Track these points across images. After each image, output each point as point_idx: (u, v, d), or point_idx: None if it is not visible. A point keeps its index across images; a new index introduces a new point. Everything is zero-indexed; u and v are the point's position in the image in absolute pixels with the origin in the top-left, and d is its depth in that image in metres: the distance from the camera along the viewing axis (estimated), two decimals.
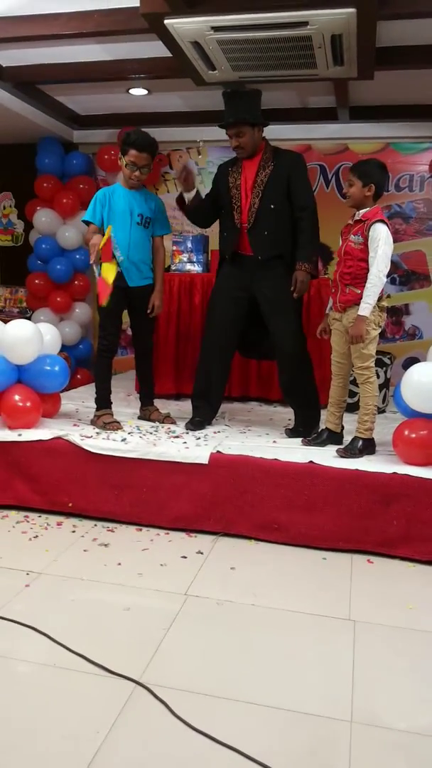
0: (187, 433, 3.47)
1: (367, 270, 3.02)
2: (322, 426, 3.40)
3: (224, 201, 3.48)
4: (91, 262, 3.28)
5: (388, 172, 3.14)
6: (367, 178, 3.04)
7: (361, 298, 3.03)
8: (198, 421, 3.58)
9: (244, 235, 3.42)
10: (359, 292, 3.04)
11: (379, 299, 3.06)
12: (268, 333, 3.55)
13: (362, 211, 3.09)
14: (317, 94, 4.61)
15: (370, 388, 3.12)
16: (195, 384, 3.71)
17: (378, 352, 4.01)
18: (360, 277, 3.05)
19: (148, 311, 3.60)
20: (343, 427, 3.34)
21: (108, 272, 3.23)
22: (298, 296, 3.35)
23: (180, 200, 3.52)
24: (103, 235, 3.33)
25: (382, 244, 2.98)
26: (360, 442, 3.12)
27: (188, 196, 3.48)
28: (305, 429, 3.48)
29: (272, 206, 3.35)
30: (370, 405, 3.13)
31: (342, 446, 3.16)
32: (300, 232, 3.37)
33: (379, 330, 3.12)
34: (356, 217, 3.10)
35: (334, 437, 3.29)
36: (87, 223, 3.50)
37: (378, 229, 2.99)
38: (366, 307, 3.00)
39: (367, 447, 3.13)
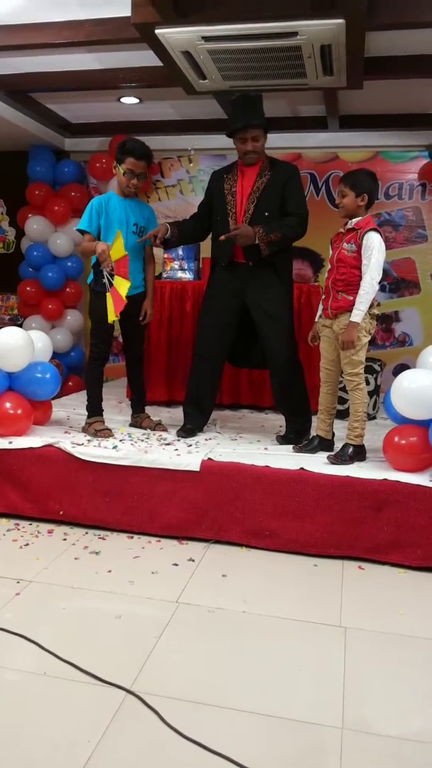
0: (179, 440, 3.47)
1: (360, 277, 3.05)
2: (313, 433, 3.41)
3: (218, 208, 3.50)
4: (107, 270, 3.25)
5: (378, 181, 3.17)
6: (360, 188, 3.08)
7: (353, 305, 3.06)
8: (189, 429, 3.59)
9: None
10: (351, 298, 3.07)
11: (370, 306, 3.09)
12: (256, 342, 3.57)
13: (355, 220, 3.12)
14: (307, 103, 4.65)
15: (359, 394, 3.14)
16: (187, 391, 3.71)
17: (368, 359, 4.06)
18: (353, 284, 3.08)
19: (141, 318, 3.61)
20: (333, 434, 3.36)
21: (122, 287, 3.23)
22: (224, 238, 3.32)
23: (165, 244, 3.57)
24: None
25: (375, 252, 3.02)
26: (350, 449, 3.14)
27: (170, 240, 3.51)
28: (296, 436, 3.49)
29: (266, 214, 3.36)
30: (360, 412, 3.15)
31: (332, 453, 3.18)
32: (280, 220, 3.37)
33: (369, 337, 3.15)
34: (348, 226, 3.14)
35: (324, 444, 3.31)
36: (82, 232, 3.47)
37: (372, 238, 3.03)
38: (358, 314, 3.03)
39: (358, 454, 3.15)
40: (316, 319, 3.32)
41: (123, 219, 3.45)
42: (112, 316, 3.27)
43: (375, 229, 3.07)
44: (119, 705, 1.86)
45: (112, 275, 3.25)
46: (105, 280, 3.28)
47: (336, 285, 3.13)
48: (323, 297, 3.26)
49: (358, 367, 3.13)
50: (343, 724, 1.81)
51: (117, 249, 3.25)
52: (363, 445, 3.18)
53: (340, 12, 2.98)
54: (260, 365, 3.71)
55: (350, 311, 3.07)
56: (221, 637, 2.27)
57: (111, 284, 3.25)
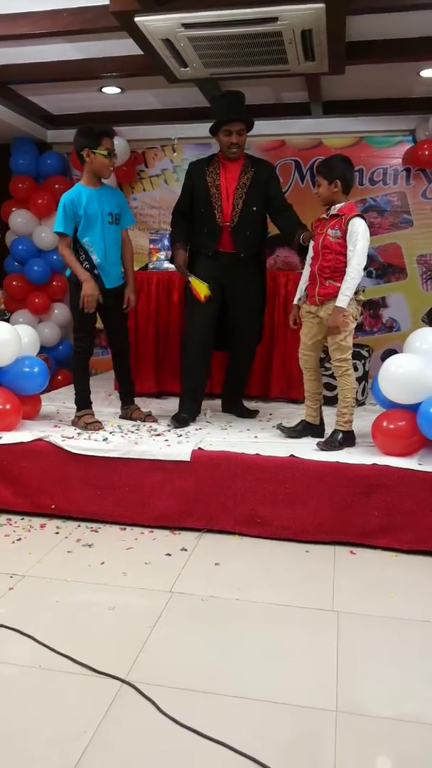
0: (169, 430, 3.47)
1: (346, 263, 3.07)
2: (299, 419, 3.45)
3: (201, 199, 3.56)
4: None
5: (353, 164, 3.20)
6: (332, 175, 3.11)
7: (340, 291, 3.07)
8: (184, 419, 3.59)
9: (225, 234, 3.53)
10: (339, 285, 3.09)
11: (356, 292, 3.12)
12: (222, 325, 3.72)
13: (337, 206, 3.14)
14: (290, 89, 4.62)
15: (348, 380, 3.16)
16: (184, 380, 3.73)
17: (356, 345, 4.08)
18: (339, 270, 3.10)
19: (124, 306, 3.59)
20: (322, 420, 3.39)
21: (200, 288, 3.48)
22: (308, 238, 3.38)
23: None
24: (81, 246, 3.42)
25: (360, 238, 3.05)
26: (340, 435, 3.16)
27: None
28: (247, 412, 3.91)
29: (254, 208, 3.53)
30: (349, 397, 3.17)
31: (322, 440, 3.19)
32: (289, 217, 3.57)
33: (356, 323, 3.18)
34: (332, 212, 3.15)
35: (312, 429, 3.35)
36: (60, 234, 3.41)
37: (357, 224, 3.06)
38: (344, 299, 3.05)
39: (347, 439, 3.17)
40: (295, 302, 3.36)
41: (98, 211, 3.42)
42: (206, 290, 3.49)
43: (360, 216, 3.09)
44: (115, 695, 1.87)
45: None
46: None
47: (323, 272, 3.14)
48: (303, 284, 3.28)
49: (347, 353, 3.15)
50: (337, 707, 1.83)
51: (200, 288, 3.48)
52: (352, 431, 3.20)
53: None
54: (224, 348, 3.88)
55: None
56: (215, 625, 2.28)
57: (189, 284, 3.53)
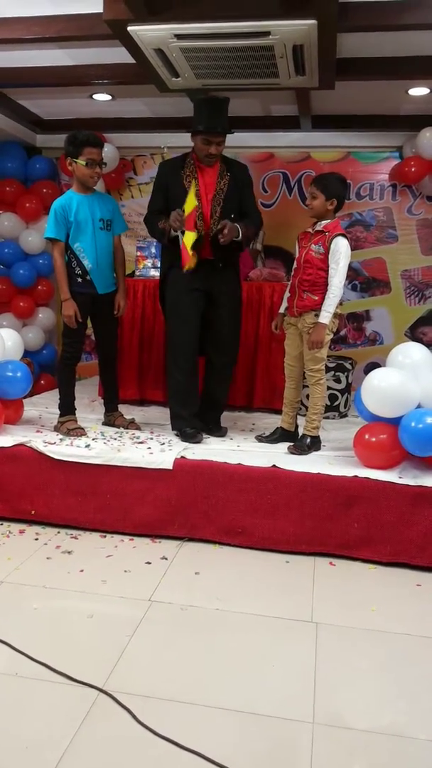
0: (152, 438, 3.47)
1: (325, 278, 3.16)
2: (275, 426, 3.55)
3: (178, 203, 3.37)
4: (176, 230, 3.30)
5: (347, 186, 3.25)
6: (330, 192, 3.17)
7: (318, 304, 3.17)
8: (193, 433, 3.43)
9: (206, 241, 3.44)
10: (316, 298, 3.19)
11: None
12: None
13: (323, 223, 3.22)
14: (280, 102, 4.67)
15: (319, 389, 3.28)
16: (176, 389, 3.56)
17: (340, 358, 4.11)
18: (318, 285, 3.18)
19: (115, 312, 3.59)
20: (297, 426, 3.48)
21: (188, 239, 3.24)
22: (224, 240, 3.29)
23: (166, 234, 3.46)
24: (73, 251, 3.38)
25: (343, 257, 3.14)
26: (308, 439, 3.29)
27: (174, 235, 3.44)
28: (215, 426, 3.68)
29: (232, 215, 3.44)
30: (319, 405, 3.30)
31: (293, 444, 3.32)
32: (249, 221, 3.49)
33: (332, 335, 3.27)
34: (317, 228, 3.23)
35: (287, 436, 3.44)
36: (52, 240, 3.40)
37: (340, 243, 3.14)
38: (326, 316, 3.15)
39: (315, 444, 3.31)
40: (281, 311, 3.43)
41: (89, 217, 3.42)
42: (184, 266, 3.29)
43: (343, 235, 3.18)
44: (92, 704, 1.86)
45: (182, 233, 3.27)
46: (179, 237, 3.33)
47: (302, 285, 3.23)
48: (288, 295, 3.36)
49: (320, 364, 3.26)
50: (314, 719, 1.83)
51: (189, 203, 3.25)
52: (318, 436, 3.34)
53: (312, 13, 3.00)
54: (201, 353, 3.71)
55: (314, 310, 3.19)
56: (194, 635, 2.28)
57: (181, 241, 3.28)
